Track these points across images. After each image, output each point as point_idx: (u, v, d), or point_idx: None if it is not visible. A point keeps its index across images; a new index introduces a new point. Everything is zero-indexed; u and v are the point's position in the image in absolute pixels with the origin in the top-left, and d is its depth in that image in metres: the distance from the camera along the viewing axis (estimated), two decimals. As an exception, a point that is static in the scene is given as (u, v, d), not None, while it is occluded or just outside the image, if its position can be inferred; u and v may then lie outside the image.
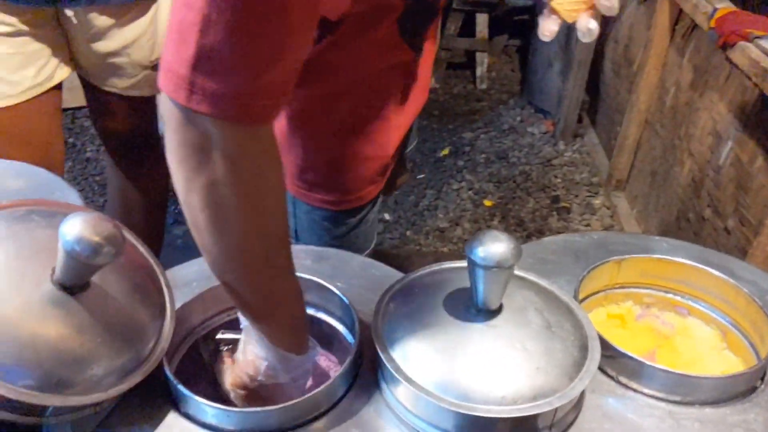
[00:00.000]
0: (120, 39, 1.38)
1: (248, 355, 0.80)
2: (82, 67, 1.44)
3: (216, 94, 0.60)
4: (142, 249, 0.78)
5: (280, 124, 1.08)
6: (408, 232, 2.51)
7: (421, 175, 2.84)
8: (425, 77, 1.20)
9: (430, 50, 1.17)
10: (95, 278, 0.68)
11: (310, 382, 0.85)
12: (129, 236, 0.78)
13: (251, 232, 0.69)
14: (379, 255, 2.41)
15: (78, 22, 1.33)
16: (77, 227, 0.60)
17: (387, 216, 2.58)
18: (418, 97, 1.18)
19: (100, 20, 1.34)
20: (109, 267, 0.66)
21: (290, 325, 0.80)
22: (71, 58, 1.41)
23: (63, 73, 1.39)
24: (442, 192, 2.71)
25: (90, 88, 1.50)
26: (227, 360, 0.84)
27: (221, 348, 0.86)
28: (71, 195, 0.94)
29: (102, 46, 1.38)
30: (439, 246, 2.45)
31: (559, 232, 2.48)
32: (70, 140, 2.97)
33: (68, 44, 1.38)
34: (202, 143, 0.63)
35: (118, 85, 1.46)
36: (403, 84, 1.10)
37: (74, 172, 2.77)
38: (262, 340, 0.79)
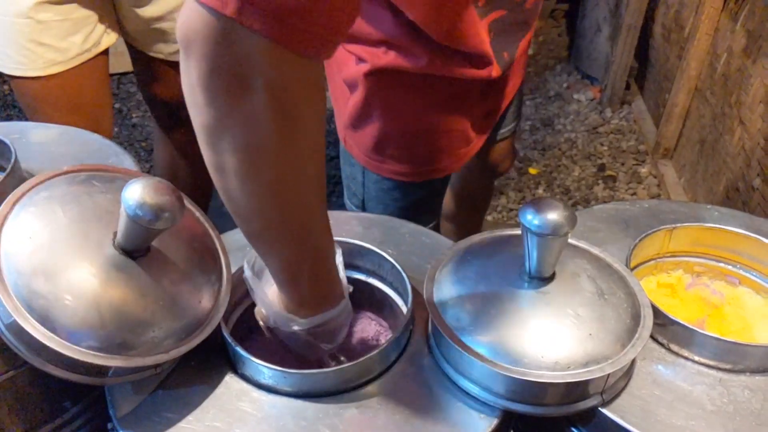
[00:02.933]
0: (165, 4, 1.39)
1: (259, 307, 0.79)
2: (128, 33, 1.45)
3: (272, 8, 0.52)
4: (199, 214, 0.80)
5: (357, 97, 1.08)
6: (450, 201, 2.50)
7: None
8: (521, 58, 1.18)
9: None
10: (155, 243, 0.70)
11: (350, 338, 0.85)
12: (186, 202, 0.79)
13: (288, 176, 0.63)
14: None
15: None
16: (139, 192, 0.62)
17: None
18: (510, 75, 1.17)
19: None
20: (169, 232, 0.68)
21: (320, 279, 0.75)
22: (118, 24, 1.43)
23: (110, 39, 1.40)
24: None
25: (137, 55, 1.52)
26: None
27: None
28: (126, 160, 0.96)
29: (148, 11, 1.39)
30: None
31: (605, 202, 2.45)
32: (116, 106, 3.00)
33: (114, 10, 1.40)
34: (242, 70, 0.55)
35: (164, 50, 1.47)
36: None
37: (120, 138, 2.82)
38: (262, 298, 0.77)
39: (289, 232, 0.69)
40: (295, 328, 0.76)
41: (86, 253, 0.66)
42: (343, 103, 1.13)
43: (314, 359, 0.82)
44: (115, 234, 0.67)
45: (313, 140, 0.63)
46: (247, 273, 0.78)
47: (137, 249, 0.67)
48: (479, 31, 0.99)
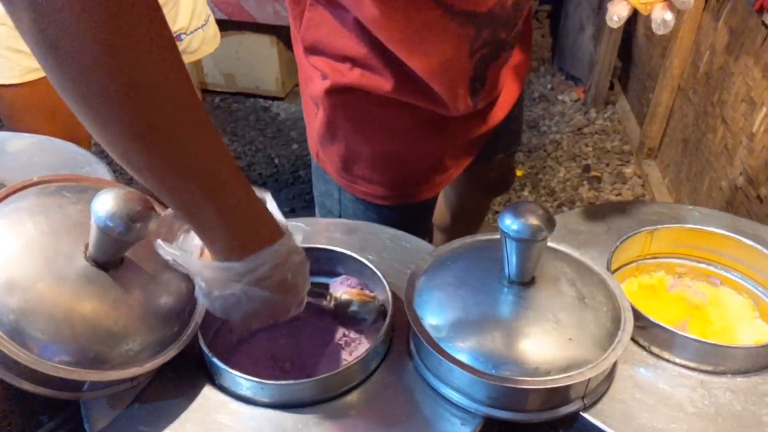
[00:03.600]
0: None
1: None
2: None
3: None
4: (174, 224, 0.79)
5: (321, 114, 1.05)
6: (436, 203, 2.50)
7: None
8: (511, 75, 1.14)
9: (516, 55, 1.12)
10: (129, 253, 0.69)
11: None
12: (161, 211, 0.78)
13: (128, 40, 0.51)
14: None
15: None
16: (109, 203, 0.61)
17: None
18: (497, 97, 1.13)
19: None
20: (142, 242, 0.67)
21: (237, 215, 0.63)
22: None
23: None
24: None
25: None
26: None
27: None
28: (100, 169, 0.95)
29: None
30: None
31: (591, 202, 2.45)
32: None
33: None
34: None
35: None
36: (468, 81, 1.02)
37: (101, 146, 2.80)
38: (194, 269, 0.67)
39: (159, 141, 0.56)
40: (235, 284, 0.65)
41: (57, 266, 0.65)
42: (312, 118, 1.09)
43: (284, 320, 0.75)
44: (86, 246, 0.66)
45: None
46: (164, 250, 0.68)
47: (109, 260, 0.66)
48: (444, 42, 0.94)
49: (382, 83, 0.97)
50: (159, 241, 0.68)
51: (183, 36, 1.47)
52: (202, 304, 0.70)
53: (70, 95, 0.53)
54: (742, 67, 1.80)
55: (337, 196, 1.16)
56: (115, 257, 0.66)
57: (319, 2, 0.95)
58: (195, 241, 0.70)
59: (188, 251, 0.69)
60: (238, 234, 0.64)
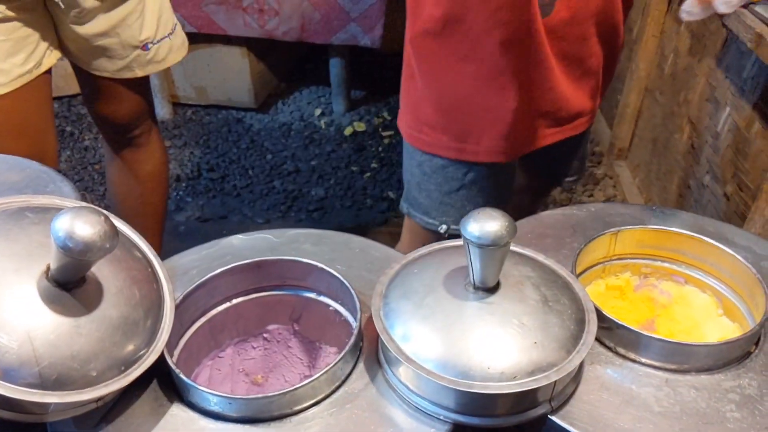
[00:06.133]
0: (108, 20, 1.37)
1: None
2: (71, 52, 1.43)
3: None
4: (139, 240, 0.78)
5: (407, 52, 1.11)
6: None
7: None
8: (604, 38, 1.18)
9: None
10: (92, 272, 0.69)
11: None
12: (124, 228, 0.78)
13: None
14: (383, 234, 2.42)
15: (65, 6, 1.32)
16: (68, 223, 0.60)
17: (391, 194, 2.58)
18: (590, 62, 1.18)
19: (88, 2, 1.32)
20: (106, 260, 0.66)
21: None
22: (60, 43, 1.40)
23: (52, 59, 1.38)
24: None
25: (81, 74, 1.50)
26: None
27: None
28: (65, 187, 0.94)
29: (89, 28, 1.37)
30: (443, 222, 2.45)
31: (563, 204, 2.47)
32: (68, 129, 2.97)
33: (56, 29, 1.37)
34: None
35: (108, 68, 1.45)
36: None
37: (73, 162, 2.78)
38: None
39: None
40: None
41: (18, 288, 0.64)
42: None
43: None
44: (48, 266, 0.66)
45: None
46: None
47: (71, 280, 0.66)
48: None
49: None
50: None
51: (150, 45, 1.46)
52: None
53: None
54: (705, 68, 1.83)
55: (406, 162, 1.22)
56: (77, 277, 0.66)
57: None
58: None
59: None
60: None
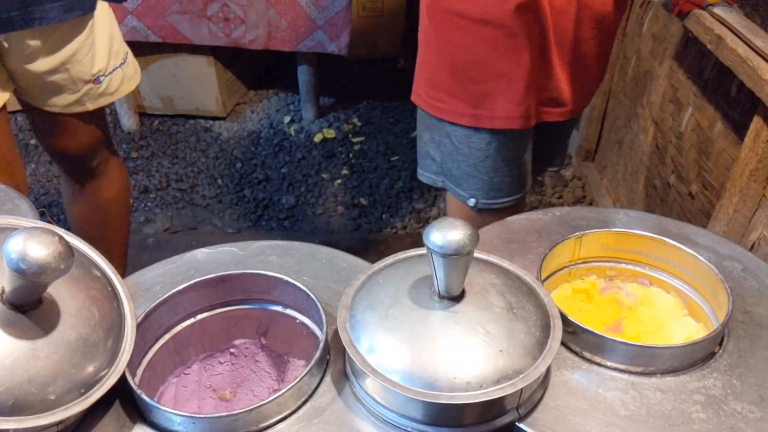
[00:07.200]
0: (58, 57, 1.35)
1: None
2: (21, 89, 1.40)
3: None
4: (98, 258, 0.77)
5: (423, 23, 1.17)
6: (384, 216, 2.51)
7: (395, 157, 2.83)
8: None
9: None
10: (48, 293, 0.67)
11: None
12: (83, 246, 0.77)
13: None
14: (355, 241, 2.41)
15: (10, 46, 1.29)
16: (21, 245, 0.59)
17: (363, 200, 2.58)
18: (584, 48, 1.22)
19: (35, 42, 1.30)
20: (63, 280, 0.65)
21: None
22: (9, 81, 1.37)
23: (2, 96, 1.35)
24: (416, 173, 2.71)
25: (32, 111, 1.47)
26: None
27: None
28: (23, 205, 0.92)
29: (39, 65, 1.34)
30: (416, 227, 2.46)
31: (533, 207, 2.48)
32: (32, 142, 2.93)
33: (4, 67, 1.35)
34: None
35: (59, 103, 1.42)
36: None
37: (38, 175, 2.74)
38: None
39: None
40: None
41: (-28, 312, 0.63)
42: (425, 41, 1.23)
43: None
44: (3, 288, 0.64)
45: None
46: None
47: (26, 302, 0.64)
48: None
49: None
50: None
51: (102, 78, 1.43)
52: None
53: None
54: (667, 69, 1.85)
55: (432, 137, 1.29)
56: (32, 299, 0.64)
57: None
58: None
59: None
60: None
